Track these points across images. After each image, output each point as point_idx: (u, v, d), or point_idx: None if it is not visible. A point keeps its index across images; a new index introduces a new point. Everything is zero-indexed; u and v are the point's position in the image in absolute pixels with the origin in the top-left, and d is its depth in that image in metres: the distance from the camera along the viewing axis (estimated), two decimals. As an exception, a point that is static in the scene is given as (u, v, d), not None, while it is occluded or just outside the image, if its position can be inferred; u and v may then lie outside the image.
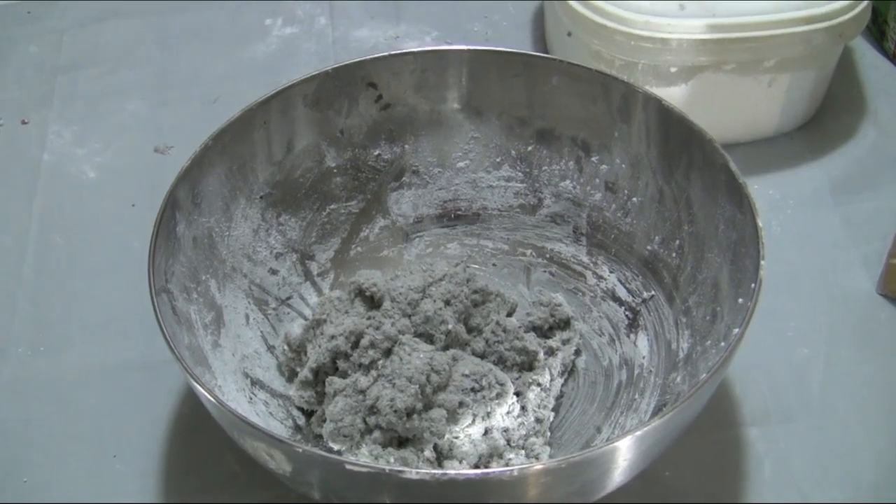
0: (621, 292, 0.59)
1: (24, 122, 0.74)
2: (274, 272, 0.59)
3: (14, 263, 0.65)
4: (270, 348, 0.57)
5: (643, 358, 0.56)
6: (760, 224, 0.49)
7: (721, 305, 0.52)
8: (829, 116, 0.71)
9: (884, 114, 0.72)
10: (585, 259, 0.61)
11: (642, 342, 0.57)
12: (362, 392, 0.50)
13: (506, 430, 0.52)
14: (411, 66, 0.59)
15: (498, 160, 0.62)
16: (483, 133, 0.61)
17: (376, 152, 0.61)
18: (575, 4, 0.65)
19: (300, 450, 0.42)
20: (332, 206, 0.61)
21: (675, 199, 0.56)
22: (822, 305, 0.61)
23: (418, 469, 0.43)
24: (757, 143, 0.70)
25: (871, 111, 0.72)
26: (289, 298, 0.59)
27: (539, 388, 0.54)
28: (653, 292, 0.57)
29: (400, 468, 0.43)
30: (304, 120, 0.58)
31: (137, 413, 0.57)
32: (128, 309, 0.61)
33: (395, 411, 0.49)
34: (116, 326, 0.61)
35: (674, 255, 0.56)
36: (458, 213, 0.63)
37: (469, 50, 0.59)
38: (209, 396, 0.44)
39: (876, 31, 0.76)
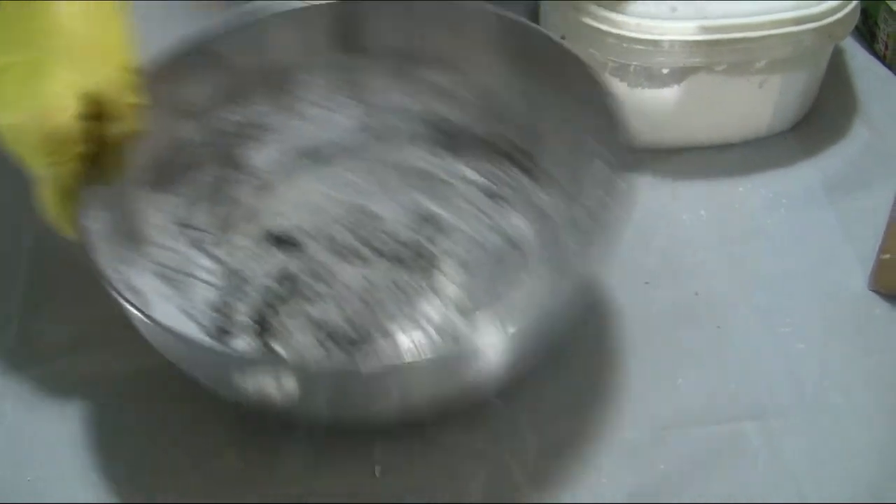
0: (487, 182, 0.64)
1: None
2: (170, 249, 0.61)
3: (12, 266, 0.66)
4: (192, 317, 0.59)
5: (524, 235, 0.61)
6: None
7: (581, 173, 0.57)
8: (822, 116, 0.72)
9: (875, 113, 0.72)
10: (446, 164, 0.66)
11: (519, 221, 0.62)
12: (310, 317, 0.56)
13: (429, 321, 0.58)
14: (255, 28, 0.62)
15: (338, 97, 0.66)
16: (317, 76, 0.65)
17: (228, 116, 0.64)
18: (567, 8, 0.66)
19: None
20: (200, 176, 0.63)
21: (513, 87, 0.60)
22: (816, 302, 0.62)
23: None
24: (750, 143, 0.70)
25: (862, 111, 0.73)
26: (191, 271, 0.61)
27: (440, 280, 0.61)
28: (520, 177, 0.63)
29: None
30: (154, 98, 0.58)
31: (138, 412, 0.58)
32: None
33: (347, 320, 0.56)
34: (116, 328, 0.62)
35: (529, 138, 0.62)
36: (316, 155, 0.66)
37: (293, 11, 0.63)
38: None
39: (867, 32, 0.77)
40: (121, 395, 0.59)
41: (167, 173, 0.61)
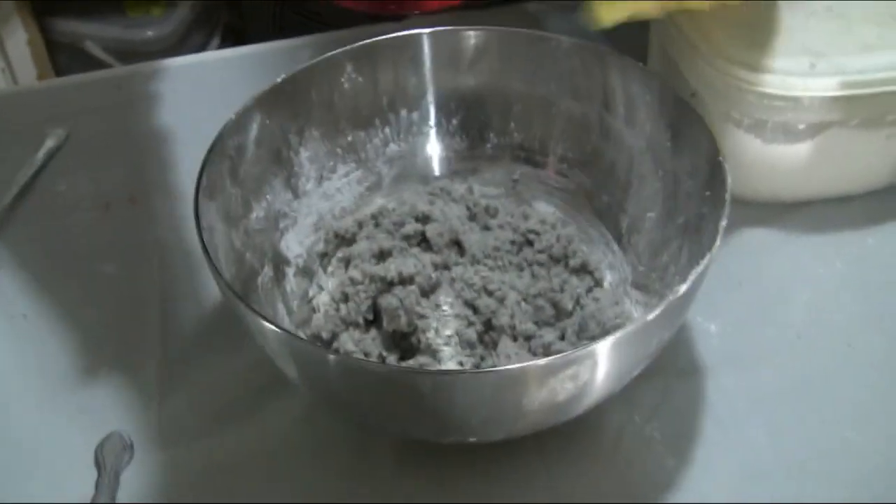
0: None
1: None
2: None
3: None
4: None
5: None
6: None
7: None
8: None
9: None
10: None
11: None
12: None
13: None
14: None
15: (331, 164, 0.67)
16: (309, 150, 0.66)
17: (254, 214, 0.63)
18: (703, 66, 0.66)
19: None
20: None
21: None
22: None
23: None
24: (870, 194, 0.71)
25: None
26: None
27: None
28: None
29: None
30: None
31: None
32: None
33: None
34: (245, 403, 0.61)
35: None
36: (335, 231, 0.66)
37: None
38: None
39: None
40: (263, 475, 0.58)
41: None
